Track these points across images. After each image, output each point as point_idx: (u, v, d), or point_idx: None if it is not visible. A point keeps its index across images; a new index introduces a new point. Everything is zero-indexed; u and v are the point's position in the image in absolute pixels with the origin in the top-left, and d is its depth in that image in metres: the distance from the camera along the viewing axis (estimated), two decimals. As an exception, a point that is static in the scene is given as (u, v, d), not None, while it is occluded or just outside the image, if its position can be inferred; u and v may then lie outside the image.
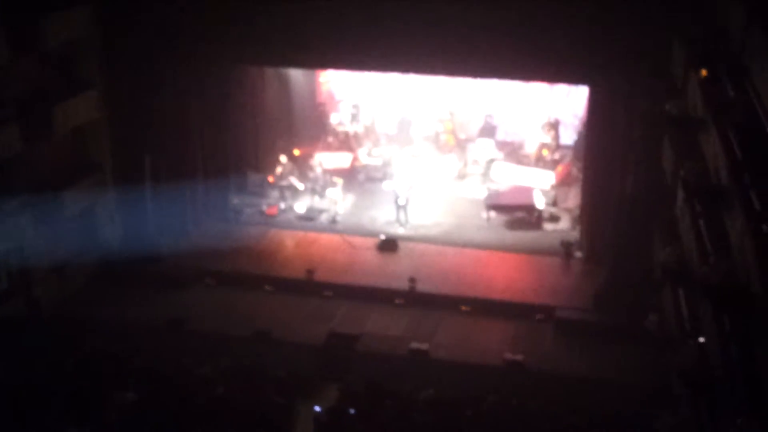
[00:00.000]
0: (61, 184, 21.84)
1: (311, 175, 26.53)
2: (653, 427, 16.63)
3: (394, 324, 21.10)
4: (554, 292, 21.85)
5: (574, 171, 27.40)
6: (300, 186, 26.18)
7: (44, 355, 18.86)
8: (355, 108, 29.91)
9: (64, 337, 19.91)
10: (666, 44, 19.00)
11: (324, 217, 25.58)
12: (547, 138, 27.81)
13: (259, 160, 27.48)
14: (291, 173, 26.24)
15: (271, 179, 26.63)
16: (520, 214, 25.27)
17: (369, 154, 28.47)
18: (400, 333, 20.71)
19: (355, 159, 28.49)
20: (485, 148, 28.08)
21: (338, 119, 29.91)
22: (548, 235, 24.51)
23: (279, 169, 26.32)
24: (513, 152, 28.42)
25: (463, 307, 21.52)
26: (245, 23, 22.18)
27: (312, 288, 22.47)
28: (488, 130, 29.37)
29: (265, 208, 26.17)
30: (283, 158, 26.39)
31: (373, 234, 24.57)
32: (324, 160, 27.36)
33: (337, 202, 25.74)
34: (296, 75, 28.99)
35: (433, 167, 28.23)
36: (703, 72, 15.99)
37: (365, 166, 28.11)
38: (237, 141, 26.49)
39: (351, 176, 27.72)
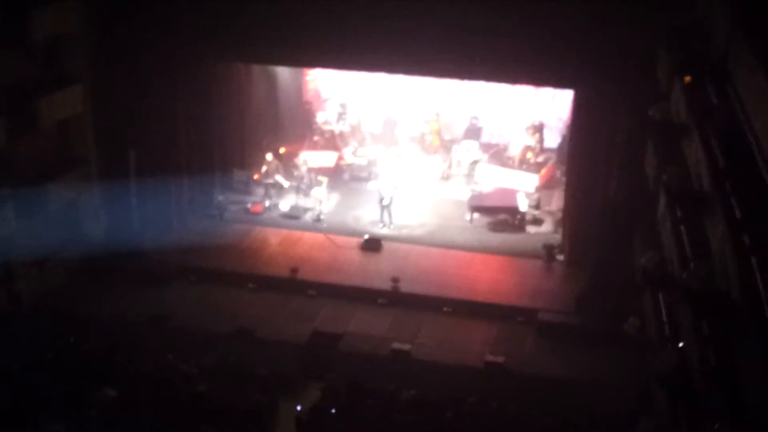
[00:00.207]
0: (45, 177, 21.77)
1: (296, 173, 26.54)
2: (631, 431, 16.76)
3: (377, 324, 21.14)
4: (536, 295, 21.96)
5: (558, 174, 27.56)
6: (285, 184, 26.18)
7: (25, 349, 18.80)
8: (341, 107, 29.93)
9: (45, 331, 19.84)
10: (651, 49, 19.09)
11: (308, 216, 25.60)
12: (532, 141, 27.92)
13: (244, 157, 27.47)
14: (276, 171, 26.23)
15: (256, 177, 26.62)
16: (503, 216, 25.38)
17: (354, 154, 28.50)
18: (382, 333, 20.74)
19: (340, 158, 28.53)
20: (470, 150, 28.17)
21: (324, 118, 29.93)
22: (531, 238, 24.62)
23: (264, 167, 26.30)
24: (497, 154, 28.52)
25: (445, 309, 21.59)
26: (232, 20, 22.16)
27: (295, 287, 22.48)
28: (473, 132, 29.49)
29: (249, 205, 26.16)
30: (268, 156, 26.37)
31: (357, 233, 24.62)
32: (309, 158, 27.37)
33: (321, 201, 25.75)
34: (283, 73, 29.00)
35: (417, 168, 28.32)
36: (687, 78, 16.09)
37: (350, 166, 28.15)
38: (223, 138, 26.46)
39: (336, 175, 27.75)
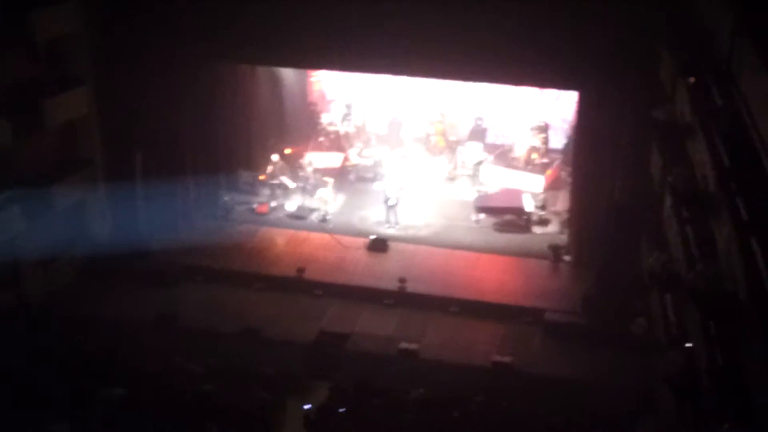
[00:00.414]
0: (50, 178, 21.82)
1: (302, 174, 26.57)
2: (637, 431, 16.80)
3: (384, 324, 21.18)
4: (543, 295, 21.97)
5: (563, 175, 27.57)
6: (291, 184, 26.22)
7: (31, 350, 18.88)
8: (346, 108, 29.98)
9: (51, 331, 19.93)
10: (655, 50, 19.13)
11: (314, 216, 25.63)
12: (537, 141, 27.94)
13: (250, 157, 27.50)
14: (282, 172, 26.27)
15: (262, 177, 26.66)
16: (509, 216, 25.38)
17: (360, 155, 28.55)
18: (389, 333, 20.79)
19: (345, 159, 28.56)
20: (474, 151, 28.21)
21: (329, 119, 29.97)
22: (537, 239, 24.62)
23: (270, 168, 26.34)
24: (502, 155, 28.53)
25: (452, 309, 21.63)
26: (235, 21, 22.20)
27: (302, 286, 22.53)
28: (478, 133, 29.51)
29: (255, 206, 26.20)
30: (274, 157, 26.42)
31: (363, 234, 24.65)
32: (315, 159, 27.41)
33: (327, 202, 25.80)
34: (288, 74, 29.01)
35: (423, 169, 28.34)
36: (691, 79, 16.12)
37: (356, 166, 28.19)
38: (228, 138, 26.49)
39: (341, 176, 27.79)
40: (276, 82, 28.76)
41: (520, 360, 19.76)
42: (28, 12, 20.21)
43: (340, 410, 17.27)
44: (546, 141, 28.23)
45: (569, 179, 25.51)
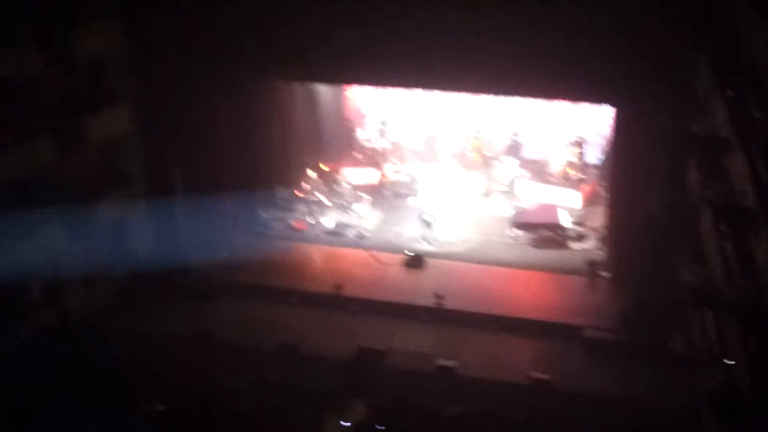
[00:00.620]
0: (92, 195, 22.12)
1: (338, 190, 26.69)
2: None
3: (421, 340, 21.20)
4: (580, 312, 21.86)
5: (600, 190, 27.44)
6: (326, 201, 26.34)
7: (75, 364, 19.12)
8: (382, 124, 30.13)
9: (93, 347, 20.16)
10: (691, 64, 19.04)
11: (351, 233, 25.75)
12: (573, 157, 27.86)
13: (287, 174, 27.71)
14: (318, 188, 26.41)
15: (299, 194, 26.82)
16: (546, 232, 25.30)
17: (396, 171, 28.64)
18: (427, 349, 20.79)
19: (382, 175, 28.66)
20: (510, 167, 28.19)
21: (365, 135, 30.13)
22: (574, 254, 24.54)
23: (307, 184, 26.48)
24: (539, 170, 28.48)
25: (490, 325, 21.57)
26: (274, 39, 22.44)
27: (339, 303, 22.62)
28: (514, 149, 29.51)
29: (293, 222, 26.39)
30: (311, 173, 26.58)
31: (399, 250, 24.72)
32: (351, 175, 27.53)
33: (364, 218, 25.89)
34: (324, 90, 29.23)
35: (459, 184, 28.36)
36: (729, 92, 16.03)
37: (392, 183, 28.28)
38: (265, 155, 26.73)
39: (378, 192, 27.90)
40: (312, 99, 28.99)
41: (559, 377, 19.65)
42: (71, 30, 20.59)
43: (379, 427, 17.26)
44: (582, 156, 28.14)
45: (606, 194, 25.39)
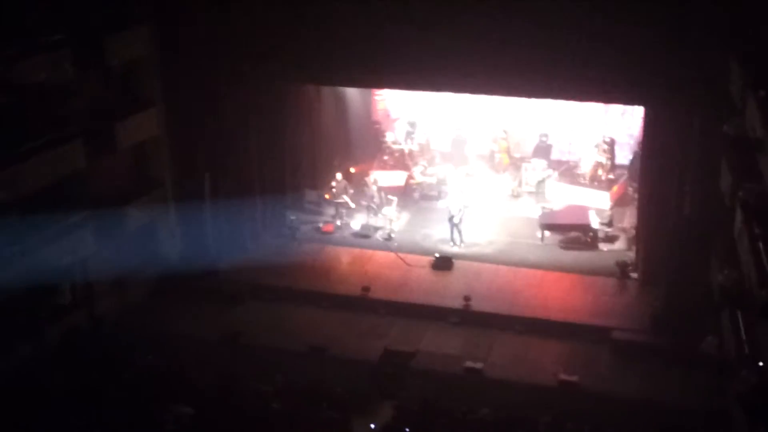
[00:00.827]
0: (123, 199, 22.32)
1: (367, 192, 26.73)
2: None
3: (449, 342, 21.15)
4: (610, 314, 21.71)
5: (630, 191, 27.26)
6: (351, 204, 26.40)
7: (104, 367, 19.27)
8: (410, 126, 30.12)
9: (123, 350, 20.30)
10: (724, 64, 18.83)
11: (379, 235, 25.76)
12: (603, 158, 27.67)
13: (315, 177, 27.81)
14: (345, 191, 26.47)
15: (327, 196, 26.90)
16: (574, 233, 25.17)
17: (424, 173, 28.63)
18: (454, 351, 20.74)
19: (410, 177, 28.66)
20: (539, 168, 28.07)
21: (393, 137, 30.15)
22: (603, 256, 24.37)
23: (334, 187, 26.55)
24: (568, 171, 28.33)
25: (518, 327, 21.49)
26: (302, 43, 22.51)
27: (367, 305, 22.63)
28: (543, 150, 29.37)
29: (321, 225, 26.44)
30: (338, 176, 26.65)
31: (427, 252, 24.69)
32: (379, 177, 27.56)
33: (392, 220, 25.90)
34: (352, 93, 29.29)
35: (487, 186, 28.28)
36: (762, 92, 15.85)
37: (420, 185, 28.28)
38: (294, 158, 26.86)
39: (406, 194, 27.90)
40: (340, 101, 29.07)
41: (588, 379, 19.52)
42: (102, 36, 20.79)
43: (406, 430, 17.23)
44: (612, 157, 27.93)
45: (636, 195, 25.23)
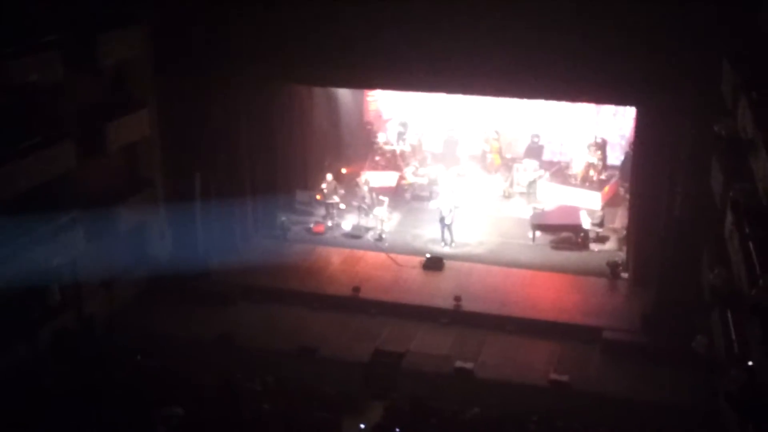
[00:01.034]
0: (113, 199, 22.19)
1: (358, 193, 26.71)
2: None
3: (440, 342, 21.12)
4: (600, 313, 21.73)
5: (621, 191, 27.31)
6: (341, 204, 26.38)
7: (94, 368, 19.20)
8: (402, 127, 30.13)
9: (113, 351, 20.24)
10: (715, 64, 18.87)
11: (370, 235, 25.74)
12: (594, 158, 27.72)
13: (306, 177, 27.78)
14: (335, 191, 26.44)
15: (318, 197, 26.87)
16: (566, 234, 25.20)
17: (415, 173, 28.63)
18: (445, 351, 20.72)
19: (401, 178, 28.66)
20: (530, 169, 28.10)
21: (385, 138, 30.15)
22: (594, 256, 24.41)
23: (324, 187, 26.53)
24: (559, 172, 28.36)
25: (508, 327, 21.48)
26: (294, 43, 22.45)
27: (358, 305, 22.60)
28: (534, 150, 29.41)
29: (312, 225, 26.41)
30: (328, 176, 26.63)
31: (418, 252, 24.68)
32: (371, 178, 27.54)
33: (383, 221, 25.88)
34: (344, 94, 29.28)
35: (478, 186, 28.30)
36: (754, 93, 15.89)
37: (411, 185, 28.29)
38: (285, 159, 26.82)
39: (397, 195, 27.91)
40: (332, 102, 29.06)
41: (578, 379, 19.53)
42: (95, 36, 20.73)
43: (396, 430, 17.21)
44: (603, 157, 27.99)
45: (627, 196, 25.25)
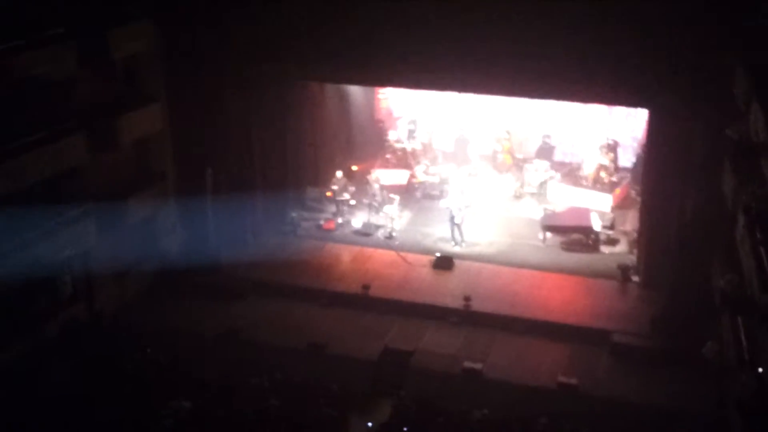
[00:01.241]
0: (124, 193, 22.27)
1: (369, 190, 26.68)
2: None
3: (448, 342, 21.11)
4: (610, 316, 21.66)
5: (632, 194, 27.21)
6: (351, 201, 26.38)
7: (103, 361, 19.28)
8: (413, 125, 30.10)
9: (122, 344, 20.32)
10: (728, 67, 18.79)
11: (380, 233, 25.72)
12: (606, 160, 27.62)
13: (317, 174, 27.79)
14: (345, 189, 26.43)
15: (328, 194, 26.86)
16: (576, 235, 25.12)
17: (426, 172, 28.58)
18: (453, 351, 20.71)
19: (412, 176, 28.62)
20: (542, 169, 28.04)
21: (396, 136, 30.12)
22: (605, 258, 24.31)
23: (336, 185, 26.52)
24: (571, 173, 28.28)
25: (517, 328, 21.44)
26: (306, 40, 22.46)
27: (367, 303, 22.60)
28: (546, 151, 29.34)
29: (322, 222, 26.41)
30: (338, 173, 26.63)
31: (428, 251, 24.65)
32: (381, 176, 27.51)
33: (393, 219, 25.86)
34: (355, 91, 29.25)
35: (489, 186, 28.24)
36: (766, 95, 15.82)
37: (422, 184, 28.25)
38: (296, 155, 26.83)
39: (408, 193, 27.87)
40: (344, 99, 29.04)
41: (587, 382, 19.48)
42: (105, 31, 20.77)
43: (404, 429, 17.22)
44: (615, 159, 27.88)
45: (638, 198, 25.15)
